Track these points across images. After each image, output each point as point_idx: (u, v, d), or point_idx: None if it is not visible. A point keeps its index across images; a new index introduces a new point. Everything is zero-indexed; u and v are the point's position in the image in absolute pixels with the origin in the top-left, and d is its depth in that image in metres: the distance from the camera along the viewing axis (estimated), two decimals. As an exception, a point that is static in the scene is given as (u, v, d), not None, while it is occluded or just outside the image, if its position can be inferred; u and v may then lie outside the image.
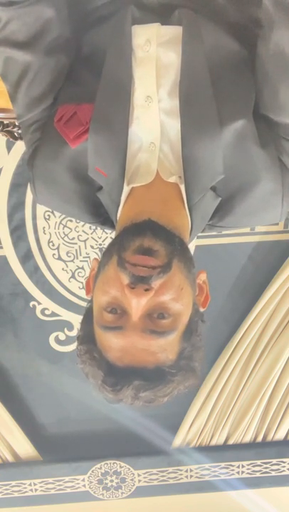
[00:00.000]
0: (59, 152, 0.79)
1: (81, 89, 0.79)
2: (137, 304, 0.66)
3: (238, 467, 2.47)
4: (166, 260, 0.68)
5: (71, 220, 2.05)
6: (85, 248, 2.12)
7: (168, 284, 0.68)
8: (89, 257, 2.14)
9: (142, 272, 0.66)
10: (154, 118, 0.77)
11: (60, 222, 2.06)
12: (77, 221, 2.05)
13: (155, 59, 0.76)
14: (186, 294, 0.71)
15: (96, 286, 0.74)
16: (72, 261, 2.15)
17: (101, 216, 0.86)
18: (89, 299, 0.79)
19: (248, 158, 0.76)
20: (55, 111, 0.78)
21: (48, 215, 2.04)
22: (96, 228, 2.06)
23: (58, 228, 2.07)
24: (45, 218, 2.05)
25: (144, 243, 0.68)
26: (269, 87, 0.74)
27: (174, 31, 0.77)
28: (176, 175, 0.77)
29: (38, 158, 0.81)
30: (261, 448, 2.44)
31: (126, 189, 0.77)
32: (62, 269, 2.16)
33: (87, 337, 0.74)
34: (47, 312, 2.23)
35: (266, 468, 2.48)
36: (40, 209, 2.03)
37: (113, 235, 0.81)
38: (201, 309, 0.78)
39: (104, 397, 0.72)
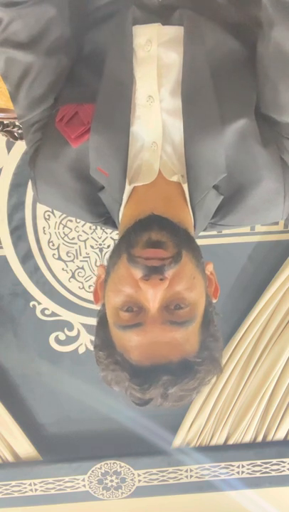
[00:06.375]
0: (60, 152, 0.79)
1: (82, 89, 0.79)
2: (154, 295, 0.66)
3: (238, 467, 2.47)
4: (176, 251, 0.68)
5: (71, 220, 2.05)
6: (85, 248, 2.12)
7: (180, 273, 0.68)
8: (89, 257, 2.14)
9: (155, 263, 0.66)
10: (155, 117, 0.77)
11: (60, 222, 2.06)
12: (78, 221, 2.05)
13: (156, 59, 0.77)
14: (199, 283, 0.72)
15: (107, 288, 0.73)
16: (72, 261, 2.14)
17: (103, 216, 0.86)
18: (98, 307, 0.78)
19: (250, 157, 0.76)
20: (57, 111, 0.78)
21: (48, 215, 2.04)
22: (96, 228, 2.06)
23: (58, 228, 2.07)
24: (45, 218, 2.05)
25: (152, 236, 0.69)
26: (269, 87, 0.74)
27: (174, 31, 0.77)
28: (179, 174, 0.77)
29: (40, 158, 0.81)
30: (261, 448, 2.45)
31: (128, 188, 0.77)
32: (62, 269, 2.16)
33: (105, 343, 0.73)
34: (47, 312, 2.23)
35: (266, 468, 2.49)
36: (40, 209, 2.03)
37: (114, 234, 0.81)
38: (214, 300, 0.79)
39: (132, 399, 0.71)
